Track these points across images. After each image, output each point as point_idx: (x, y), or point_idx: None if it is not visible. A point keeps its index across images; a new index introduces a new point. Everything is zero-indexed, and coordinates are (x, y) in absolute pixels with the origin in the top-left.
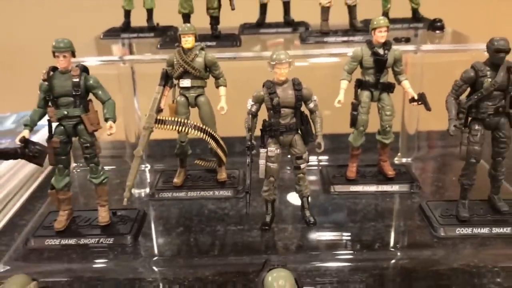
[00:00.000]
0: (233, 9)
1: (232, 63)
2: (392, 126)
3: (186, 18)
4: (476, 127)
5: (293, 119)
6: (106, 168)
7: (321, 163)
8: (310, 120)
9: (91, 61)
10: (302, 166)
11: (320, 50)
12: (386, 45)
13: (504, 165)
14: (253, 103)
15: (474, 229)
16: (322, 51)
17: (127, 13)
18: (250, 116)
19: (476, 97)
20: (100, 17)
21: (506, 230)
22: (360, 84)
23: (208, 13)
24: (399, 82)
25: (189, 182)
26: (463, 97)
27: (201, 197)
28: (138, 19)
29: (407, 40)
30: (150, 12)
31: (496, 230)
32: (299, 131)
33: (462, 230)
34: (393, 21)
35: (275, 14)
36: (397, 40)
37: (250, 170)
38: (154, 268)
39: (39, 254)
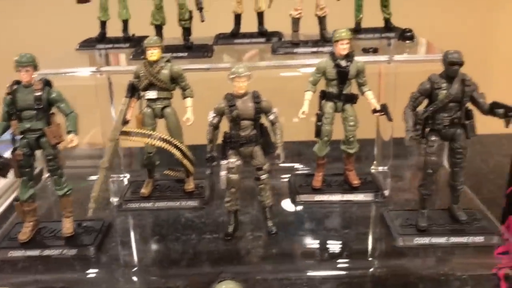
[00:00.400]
0: (202, 20)
1: (205, 74)
2: (355, 136)
3: (159, 29)
4: (433, 138)
5: (253, 131)
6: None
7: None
8: (271, 132)
9: (70, 73)
10: (263, 177)
11: (290, 61)
12: (349, 57)
13: (462, 175)
14: (214, 115)
15: (432, 238)
16: (292, 62)
17: (103, 24)
18: (212, 128)
19: (431, 108)
20: (75, 28)
21: (463, 239)
22: (324, 95)
23: (180, 25)
24: (363, 93)
25: (157, 193)
26: (421, 108)
27: (168, 207)
28: (114, 30)
29: (375, 51)
30: (125, 22)
31: (453, 239)
32: (259, 143)
33: (420, 240)
34: (365, 31)
35: (250, 24)
36: (365, 51)
37: (210, 181)
38: (121, 278)
39: (12, 265)
